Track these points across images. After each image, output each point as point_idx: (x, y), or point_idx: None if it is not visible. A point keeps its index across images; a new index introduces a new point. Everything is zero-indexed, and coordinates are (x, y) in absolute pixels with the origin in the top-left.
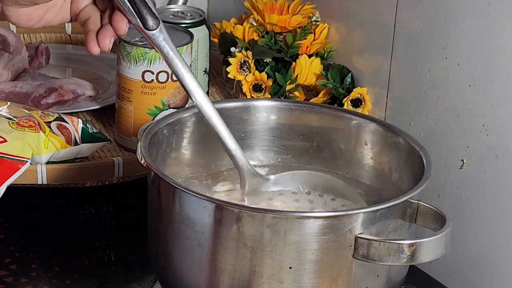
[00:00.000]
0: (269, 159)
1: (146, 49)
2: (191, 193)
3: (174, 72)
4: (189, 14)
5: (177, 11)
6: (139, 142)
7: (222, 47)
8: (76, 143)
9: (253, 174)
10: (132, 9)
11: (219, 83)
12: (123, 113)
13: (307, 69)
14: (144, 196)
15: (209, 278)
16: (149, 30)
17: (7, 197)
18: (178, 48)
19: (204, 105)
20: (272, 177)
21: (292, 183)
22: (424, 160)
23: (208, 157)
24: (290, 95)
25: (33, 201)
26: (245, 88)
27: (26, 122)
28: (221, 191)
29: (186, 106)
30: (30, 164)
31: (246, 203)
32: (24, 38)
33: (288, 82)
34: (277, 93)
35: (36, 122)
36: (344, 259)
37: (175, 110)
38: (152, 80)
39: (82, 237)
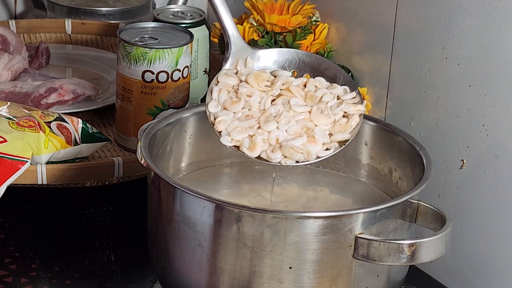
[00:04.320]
0: None
1: (146, 49)
2: (191, 193)
3: None
4: (189, 14)
5: (177, 11)
6: (139, 142)
7: (222, 47)
8: (76, 143)
9: (240, 41)
10: None
11: None
12: (123, 113)
13: None
14: (144, 196)
15: (209, 278)
16: None
17: (7, 197)
18: (178, 48)
19: None
20: (258, 51)
21: (276, 59)
22: (424, 160)
23: (208, 157)
24: None
25: (33, 201)
26: None
27: (26, 122)
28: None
29: (186, 106)
30: (30, 164)
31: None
32: (24, 38)
33: None
34: None
35: (36, 122)
36: (344, 259)
37: (175, 110)
38: (152, 80)
39: (82, 237)
